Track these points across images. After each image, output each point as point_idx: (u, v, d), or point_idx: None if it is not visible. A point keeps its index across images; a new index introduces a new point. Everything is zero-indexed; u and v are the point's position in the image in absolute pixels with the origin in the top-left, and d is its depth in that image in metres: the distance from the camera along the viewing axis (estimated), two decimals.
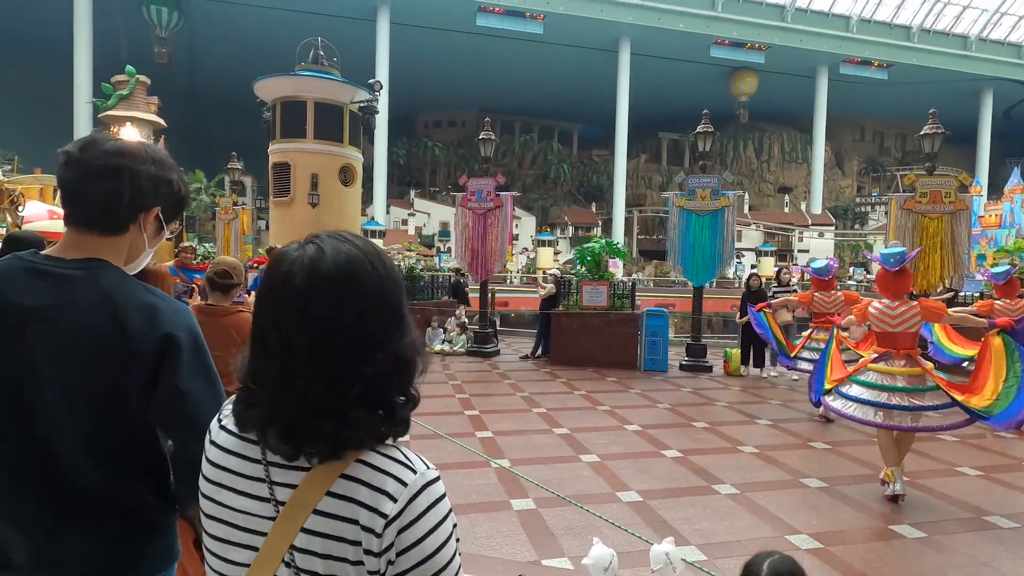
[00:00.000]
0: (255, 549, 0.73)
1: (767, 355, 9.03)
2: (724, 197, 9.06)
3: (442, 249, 48.69)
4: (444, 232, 51.65)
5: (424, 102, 64.15)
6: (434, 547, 0.70)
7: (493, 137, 10.35)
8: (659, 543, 2.47)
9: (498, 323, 13.86)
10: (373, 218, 45.07)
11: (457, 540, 0.75)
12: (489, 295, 11.95)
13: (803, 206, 58.77)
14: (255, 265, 13.27)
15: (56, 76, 44.86)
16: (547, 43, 49.49)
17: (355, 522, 0.69)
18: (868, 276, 29.73)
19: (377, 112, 11.12)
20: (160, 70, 43.10)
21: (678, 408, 6.79)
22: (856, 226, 59.53)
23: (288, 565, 0.70)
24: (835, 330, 4.83)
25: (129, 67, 33.50)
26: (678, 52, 50.95)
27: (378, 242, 36.51)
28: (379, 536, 0.68)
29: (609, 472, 4.58)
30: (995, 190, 39.95)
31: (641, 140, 66.81)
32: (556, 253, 43.83)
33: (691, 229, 9.19)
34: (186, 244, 6.57)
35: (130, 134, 31.96)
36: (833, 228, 53.01)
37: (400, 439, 0.79)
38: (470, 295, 11.87)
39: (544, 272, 11.73)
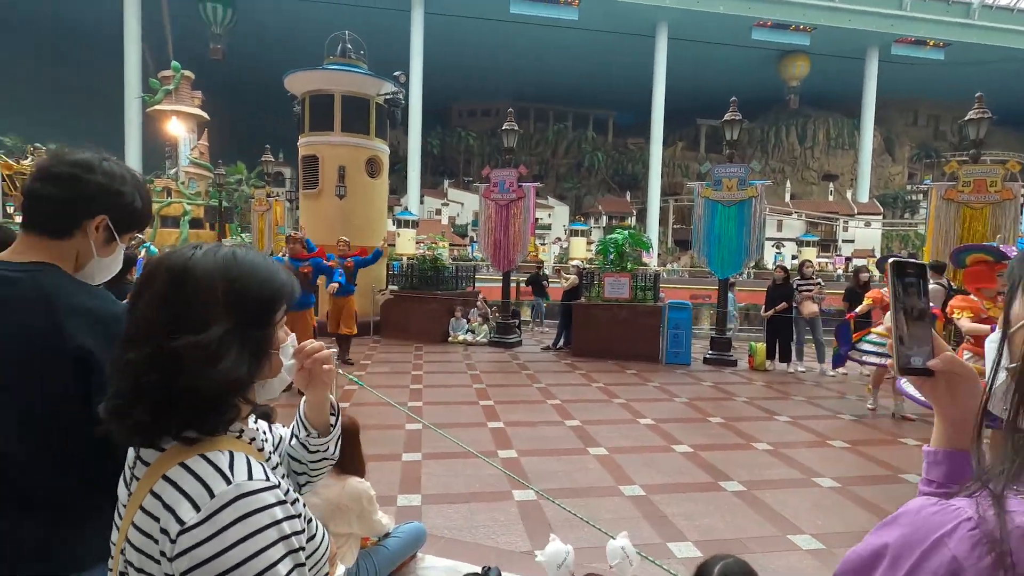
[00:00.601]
0: None
1: (793, 350, 8.80)
2: (751, 187, 8.81)
3: (475, 239, 48.90)
4: (477, 222, 51.92)
5: (458, 92, 64.37)
6: (233, 562, 0.68)
7: (516, 128, 10.32)
8: (615, 538, 2.47)
9: (528, 314, 13.95)
10: (407, 208, 45.71)
11: (289, 555, 0.72)
12: (515, 285, 12.01)
13: (849, 194, 56.39)
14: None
15: (106, 73, 46.89)
16: (582, 29, 48.76)
17: (158, 521, 0.71)
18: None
19: (402, 104, 11.21)
20: (212, 65, 44.66)
21: (695, 403, 6.70)
22: (907, 215, 56.76)
23: (123, 553, 0.75)
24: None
25: (175, 62, 34.76)
26: (718, 35, 49.43)
27: (410, 232, 36.93)
28: (172, 541, 0.69)
29: (615, 465, 4.58)
30: None
31: (678, 127, 65.36)
32: (589, 243, 43.43)
33: (717, 220, 8.98)
34: (293, 233, 6.56)
35: (176, 127, 33.03)
36: (881, 217, 50.65)
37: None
38: (494, 285, 11.93)
39: (569, 263, 11.70)
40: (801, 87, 57.26)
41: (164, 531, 0.70)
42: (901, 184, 63.32)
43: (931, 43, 49.82)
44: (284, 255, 6.28)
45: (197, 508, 0.69)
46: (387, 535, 2.86)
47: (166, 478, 0.73)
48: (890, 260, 0.69)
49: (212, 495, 0.70)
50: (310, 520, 0.82)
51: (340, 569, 2.46)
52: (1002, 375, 0.54)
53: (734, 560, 1.61)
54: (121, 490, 0.82)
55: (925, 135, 67.81)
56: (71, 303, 1.10)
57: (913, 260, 0.69)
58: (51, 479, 1.10)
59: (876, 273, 16.64)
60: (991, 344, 0.63)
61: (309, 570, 0.78)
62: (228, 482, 0.71)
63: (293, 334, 0.94)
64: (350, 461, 2.66)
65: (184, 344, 0.72)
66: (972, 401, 0.62)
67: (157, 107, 32.78)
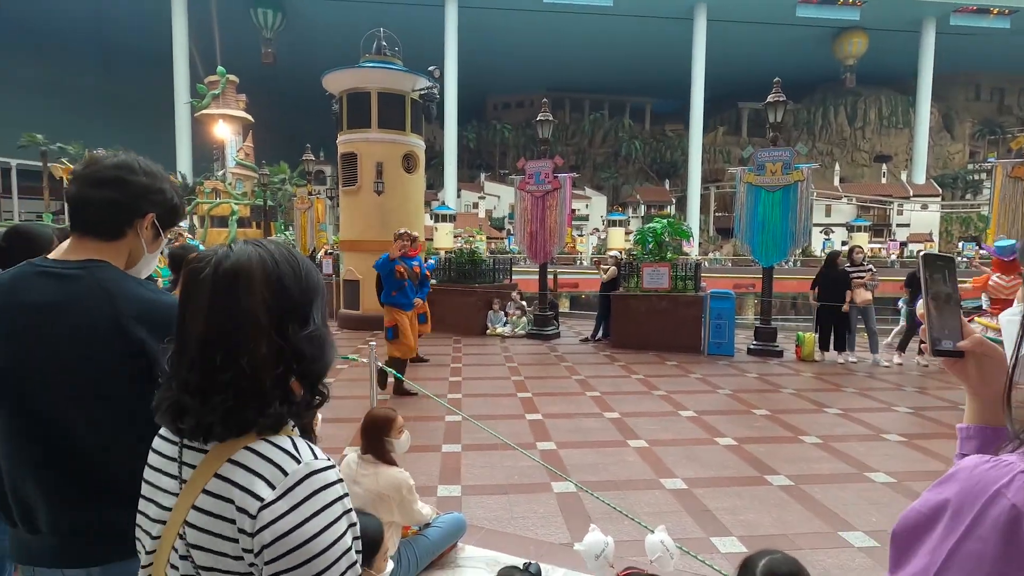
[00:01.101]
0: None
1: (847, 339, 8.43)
2: (797, 171, 8.46)
3: (511, 231, 48.95)
4: (513, 214, 51.88)
5: (493, 85, 64.37)
6: (311, 533, 0.73)
7: (551, 119, 10.22)
8: (653, 532, 2.42)
9: (567, 305, 13.83)
10: (444, 202, 46.12)
11: (349, 528, 0.79)
12: (552, 277, 11.95)
13: (904, 176, 53.60)
14: (330, 251, 14.02)
15: (157, 82, 49.05)
16: (617, 15, 47.90)
17: (231, 502, 0.75)
18: (980, 252, 26.68)
19: (436, 99, 11.25)
20: (254, 68, 46.15)
21: (739, 394, 6.52)
22: (968, 196, 53.48)
23: (181, 538, 0.78)
24: None
25: (220, 67, 35.99)
26: (760, 15, 47.65)
27: (447, 226, 37.23)
28: (253, 518, 0.73)
29: (655, 458, 4.51)
30: None
31: (719, 112, 63.55)
32: (628, 233, 42.80)
33: (760, 206, 8.68)
34: (405, 231, 6.42)
35: (222, 130, 34.29)
36: (939, 199, 47.93)
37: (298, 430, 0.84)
38: (531, 278, 11.90)
39: (606, 254, 11.49)
40: (846, 64, 54.73)
41: (241, 509, 0.74)
42: (962, 163, 59.66)
43: (995, 11, 46.61)
44: (396, 253, 6.21)
45: (272, 486, 0.74)
46: (428, 525, 2.90)
47: (233, 461, 0.77)
48: (921, 254, 0.76)
49: (285, 473, 0.75)
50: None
51: (389, 564, 2.51)
52: None
53: (782, 556, 1.55)
54: (160, 479, 0.84)
55: (988, 110, 63.59)
56: (130, 297, 1.16)
57: (942, 254, 0.76)
58: (124, 466, 1.15)
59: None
60: (1008, 318, 0.72)
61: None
62: (298, 462, 0.77)
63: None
64: (387, 451, 2.70)
65: (307, 335, 0.81)
66: (1000, 379, 0.66)
67: (205, 111, 34.08)
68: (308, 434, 1.87)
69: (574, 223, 48.60)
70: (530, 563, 2.64)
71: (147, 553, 0.83)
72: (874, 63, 55.47)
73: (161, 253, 1.41)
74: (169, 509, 0.81)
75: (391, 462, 2.71)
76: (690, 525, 3.42)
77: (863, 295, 8.15)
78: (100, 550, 1.17)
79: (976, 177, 55.58)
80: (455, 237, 34.96)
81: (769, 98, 8.71)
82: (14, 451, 1.15)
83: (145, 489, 0.86)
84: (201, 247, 9.33)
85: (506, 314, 11.02)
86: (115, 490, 1.16)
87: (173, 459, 0.83)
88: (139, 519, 0.86)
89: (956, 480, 0.54)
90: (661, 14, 47.52)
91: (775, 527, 3.42)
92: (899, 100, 60.29)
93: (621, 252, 13.09)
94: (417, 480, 2.97)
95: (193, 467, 0.80)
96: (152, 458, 0.87)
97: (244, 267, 0.79)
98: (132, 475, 1.13)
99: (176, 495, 0.80)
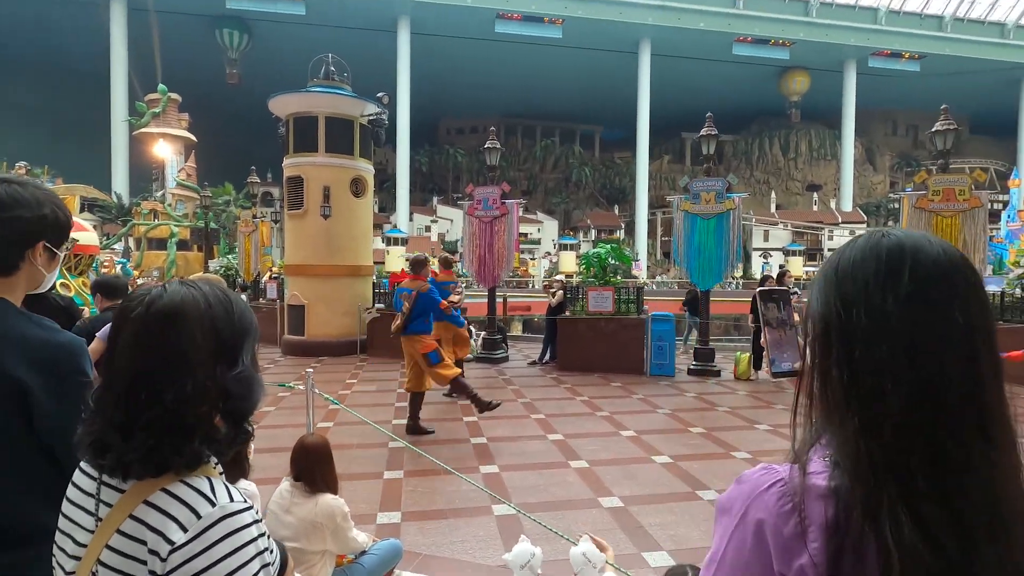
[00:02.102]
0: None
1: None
2: (729, 200, 8.99)
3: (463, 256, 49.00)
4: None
5: (446, 109, 64.96)
6: (224, 573, 0.75)
7: (499, 146, 10.50)
8: (576, 545, 2.52)
9: (520, 328, 13.89)
10: (396, 225, 45.81)
11: (262, 569, 0.79)
12: (501, 301, 12.08)
13: (833, 204, 57.29)
14: (275, 276, 13.69)
15: (93, 98, 46.99)
16: (566, 47, 49.52)
17: (144, 544, 0.77)
18: None
19: (385, 124, 11.35)
20: (199, 88, 44.90)
21: (678, 413, 6.77)
22: (890, 223, 57.66)
23: (94, 574, 0.80)
24: None
25: (161, 85, 34.82)
26: (700, 51, 50.38)
27: (399, 249, 36.92)
28: (163, 560, 0.75)
29: (595, 478, 4.63)
30: None
31: (664, 141, 66.20)
32: (578, 257, 43.68)
33: (696, 233, 9.13)
34: (447, 255, 6.07)
35: (162, 150, 32.99)
36: (865, 225, 51.46)
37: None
38: (480, 301, 11.98)
39: (553, 278, 11.74)
40: (777, 100, 58.51)
41: (153, 552, 0.76)
42: (883, 192, 64.41)
43: (906, 55, 51.13)
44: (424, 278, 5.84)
45: (185, 529, 0.76)
46: (363, 552, 2.89)
47: (148, 503, 0.78)
48: (757, 291, 0.87)
49: (199, 516, 0.77)
50: (269, 536, 0.89)
51: None
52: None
53: (691, 568, 1.67)
54: (77, 515, 0.85)
55: (905, 144, 69.18)
56: (11, 338, 1.14)
57: (776, 288, 0.85)
58: (13, 508, 1.14)
59: None
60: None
61: None
62: (212, 504, 0.79)
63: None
64: (322, 479, 2.70)
65: (235, 375, 0.84)
66: None
67: (144, 130, 32.83)
68: (242, 463, 1.90)
69: (526, 247, 49.19)
70: None
71: None
72: (804, 100, 59.52)
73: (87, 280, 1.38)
74: (84, 546, 0.82)
75: (324, 490, 2.70)
76: (623, 541, 3.54)
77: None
78: None
79: (895, 206, 60.02)
80: (406, 260, 34.71)
81: (703, 131, 9.26)
82: None
83: (62, 523, 0.86)
84: (132, 272, 8.94)
85: None
86: (6, 530, 1.14)
87: (91, 495, 0.84)
88: (56, 552, 0.86)
89: (738, 483, 0.65)
90: (607, 47, 49.55)
91: (703, 540, 3.58)
92: (827, 134, 64.67)
93: (569, 276, 13.36)
94: (357, 508, 2.97)
95: (110, 505, 0.81)
96: (71, 491, 0.87)
97: (176, 308, 0.82)
98: (21, 516, 1.12)
99: (92, 532, 0.82)
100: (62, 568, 0.85)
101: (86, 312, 4.63)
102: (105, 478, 0.83)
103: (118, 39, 42.10)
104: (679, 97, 56.52)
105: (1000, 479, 0.56)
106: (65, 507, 0.87)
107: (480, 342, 10.81)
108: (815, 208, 57.52)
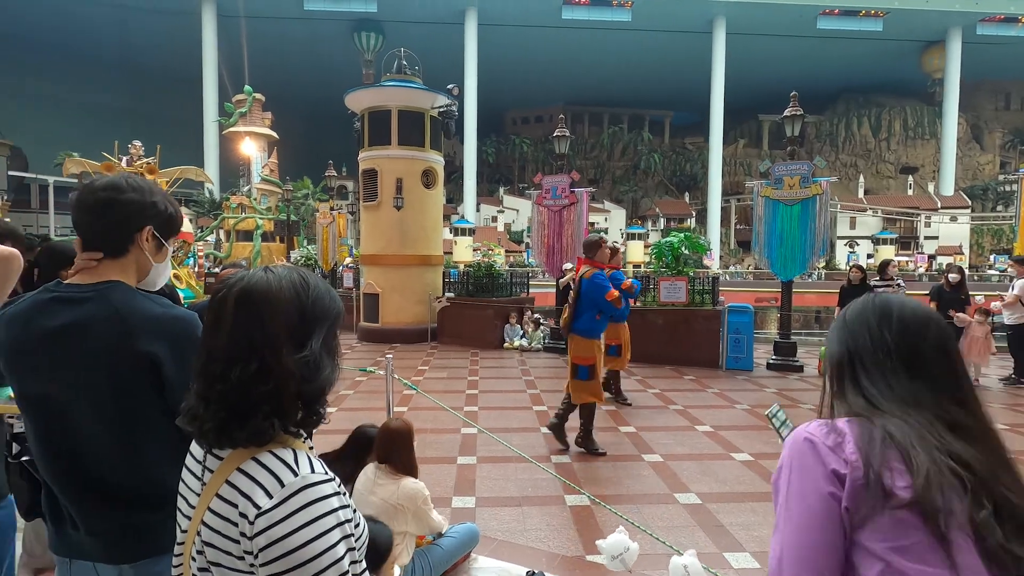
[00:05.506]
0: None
1: None
2: (815, 184, 8.42)
3: (530, 245, 49.05)
4: (531, 228, 51.99)
5: (512, 99, 64.99)
6: (302, 541, 0.80)
7: (568, 134, 10.35)
8: (681, 554, 2.43)
9: None
10: (463, 216, 46.50)
11: (343, 540, 0.85)
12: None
13: (931, 188, 52.51)
14: (351, 264, 14.28)
15: (185, 100, 50.66)
16: (635, 30, 48.18)
17: (236, 507, 0.83)
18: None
19: (455, 116, 11.49)
20: (280, 87, 47.41)
21: (757, 409, 6.46)
22: (999, 208, 52.11)
23: (198, 534, 0.87)
24: None
25: (247, 86, 36.99)
26: (780, 27, 47.53)
27: (466, 240, 37.53)
28: (251, 523, 0.81)
29: (670, 472, 4.50)
30: None
31: (739, 124, 63.18)
32: (646, 246, 42.60)
33: (778, 220, 8.64)
34: (614, 244, 5.76)
35: (248, 147, 35.07)
36: (969, 211, 46.79)
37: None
38: (549, 291, 11.95)
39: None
40: (865, 75, 54.12)
41: (243, 514, 0.83)
42: (992, 174, 58.21)
43: (1023, 20, 45.75)
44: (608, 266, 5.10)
45: (270, 495, 0.82)
46: (441, 535, 2.96)
47: (241, 470, 0.85)
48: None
49: (283, 484, 0.83)
50: (355, 509, 0.93)
51: (396, 571, 2.58)
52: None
53: None
54: (189, 479, 0.94)
55: (1018, 120, 62.09)
56: (138, 314, 1.23)
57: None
58: (147, 473, 1.25)
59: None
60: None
61: (357, 551, 0.90)
62: (295, 474, 0.84)
63: None
64: (404, 463, 2.78)
65: (299, 359, 0.87)
66: None
67: (232, 129, 35.07)
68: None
69: None
70: (534, 572, 2.68)
71: (179, 544, 0.94)
72: (896, 74, 54.78)
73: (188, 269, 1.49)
74: (194, 507, 0.90)
75: (407, 473, 2.78)
76: (703, 540, 3.42)
77: None
78: (130, 549, 1.25)
79: (1008, 188, 54.06)
80: (474, 251, 35.18)
81: (787, 111, 8.70)
82: (47, 464, 1.25)
83: (181, 487, 0.96)
84: (243, 263, 9.61)
85: (523, 327, 11.09)
86: (142, 494, 1.25)
87: (199, 462, 0.92)
88: (178, 510, 0.96)
89: (790, 438, 0.90)
90: (680, 28, 47.70)
91: None
92: (924, 111, 59.24)
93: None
94: (432, 491, 3.03)
95: (212, 472, 0.89)
96: (188, 458, 0.97)
97: (247, 293, 0.88)
98: (158, 480, 1.22)
99: (199, 495, 0.90)
100: (179, 527, 0.94)
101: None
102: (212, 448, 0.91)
103: (209, 43, 45.13)
104: (755, 77, 53.61)
105: (969, 423, 0.86)
106: (183, 472, 0.96)
107: (548, 332, 10.79)
108: (910, 192, 52.94)
